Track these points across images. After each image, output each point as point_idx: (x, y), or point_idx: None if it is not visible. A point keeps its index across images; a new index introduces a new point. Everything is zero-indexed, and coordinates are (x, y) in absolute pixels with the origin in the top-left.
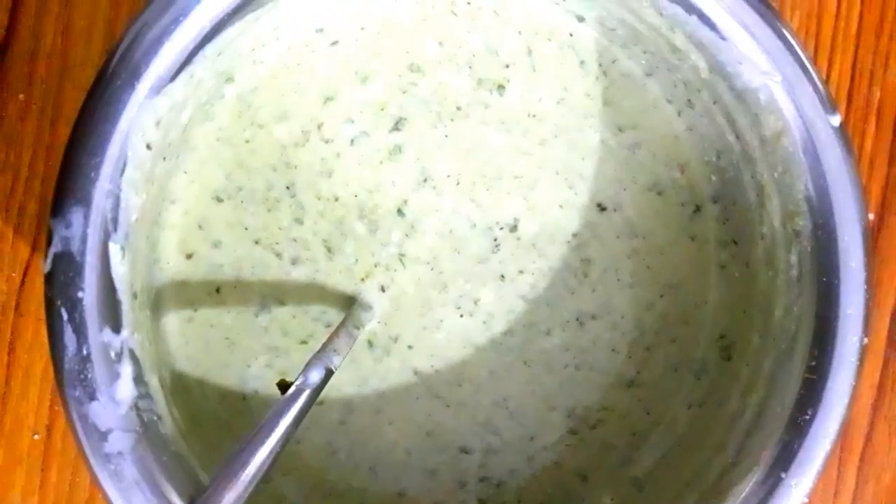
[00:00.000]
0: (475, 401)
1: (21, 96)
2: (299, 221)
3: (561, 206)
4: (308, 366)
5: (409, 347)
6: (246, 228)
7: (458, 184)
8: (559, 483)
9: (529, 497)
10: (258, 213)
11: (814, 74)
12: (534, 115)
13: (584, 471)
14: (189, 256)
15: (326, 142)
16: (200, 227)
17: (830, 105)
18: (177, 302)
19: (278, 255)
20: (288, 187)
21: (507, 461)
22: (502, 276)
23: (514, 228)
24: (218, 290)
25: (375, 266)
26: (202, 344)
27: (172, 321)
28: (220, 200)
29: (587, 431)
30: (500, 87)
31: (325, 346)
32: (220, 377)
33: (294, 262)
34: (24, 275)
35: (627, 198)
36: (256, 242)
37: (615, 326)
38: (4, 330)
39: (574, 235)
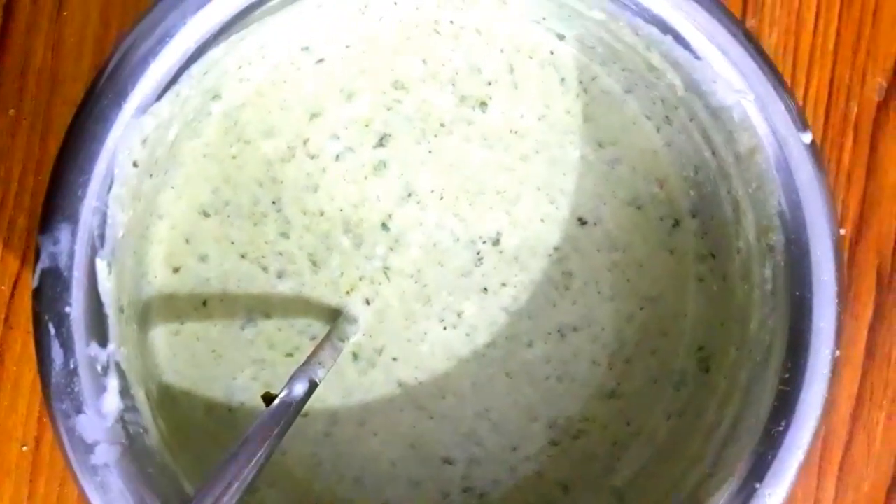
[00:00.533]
0: (458, 412)
1: (11, 111)
2: (285, 235)
3: (542, 220)
4: (293, 378)
5: (394, 359)
6: (232, 242)
7: (441, 198)
8: (541, 493)
9: None
10: (244, 228)
11: (786, 93)
12: (515, 132)
13: (566, 481)
14: (176, 270)
15: (312, 157)
16: (187, 241)
17: (802, 123)
18: (164, 315)
19: (264, 269)
20: (274, 202)
21: (489, 472)
22: (485, 289)
23: (496, 242)
24: (205, 304)
25: (360, 279)
26: (189, 357)
27: (160, 334)
28: (206, 215)
29: (569, 442)
30: (483, 104)
31: (309, 358)
32: (206, 389)
33: (280, 275)
34: (14, 288)
35: (607, 212)
36: (243, 256)
37: (596, 338)
38: None
39: (555, 249)
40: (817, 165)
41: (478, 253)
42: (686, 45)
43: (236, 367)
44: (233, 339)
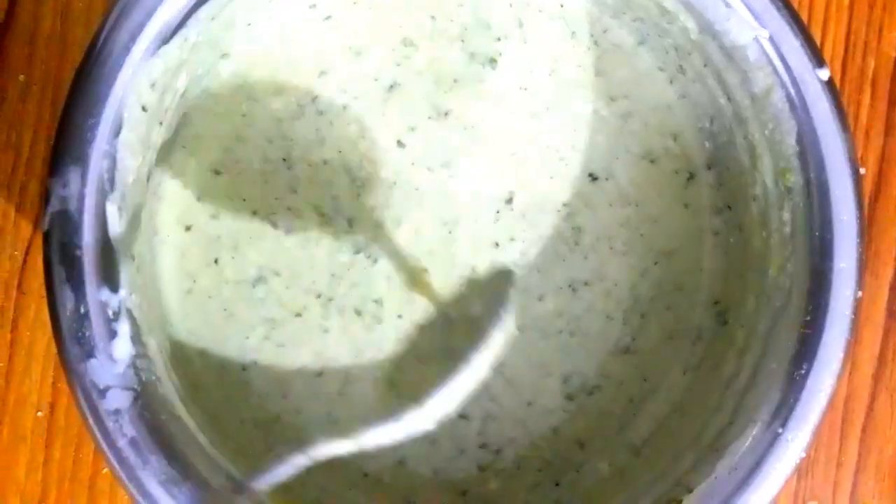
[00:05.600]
0: None
1: (21, 77)
2: (293, 190)
3: (551, 177)
4: None
5: (399, 317)
6: (244, 199)
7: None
8: (557, 450)
9: (528, 464)
10: (255, 184)
11: (800, 30)
12: (525, 88)
13: (582, 438)
14: (188, 228)
15: (321, 114)
16: (199, 199)
17: (818, 59)
18: (176, 273)
19: (274, 225)
20: (284, 159)
21: (505, 428)
22: (496, 244)
23: (508, 201)
24: (216, 262)
25: (367, 237)
26: (201, 316)
27: (173, 293)
28: (218, 173)
29: (584, 398)
30: (493, 61)
31: None
32: (219, 349)
33: (288, 231)
34: (27, 253)
35: (620, 167)
36: (254, 213)
37: (609, 294)
38: (7, 308)
39: (564, 205)
40: (834, 102)
41: (490, 210)
42: None
43: (248, 327)
44: (244, 297)
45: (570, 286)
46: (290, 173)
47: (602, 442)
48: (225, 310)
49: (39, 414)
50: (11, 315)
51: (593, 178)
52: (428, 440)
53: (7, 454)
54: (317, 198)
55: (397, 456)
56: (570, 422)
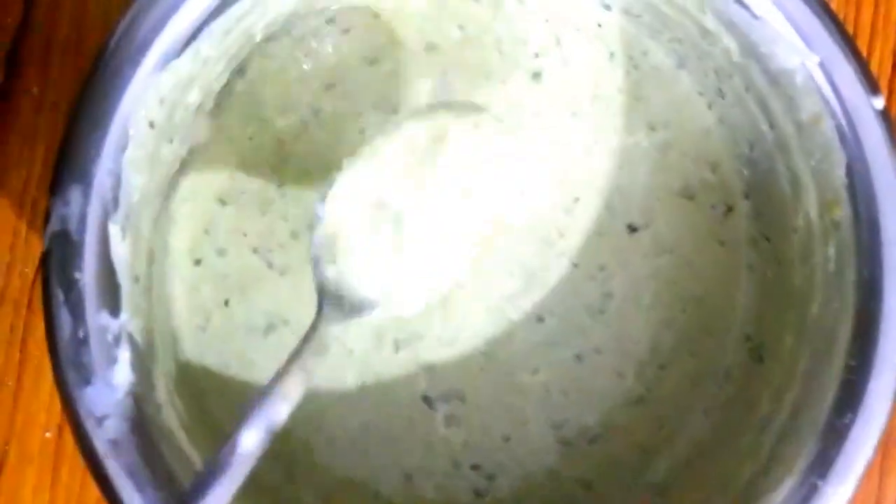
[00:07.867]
0: None
1: (35, 90)
2: (285, 219)
3: (600, 234)
4: (242, 427)
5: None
6: (245, 234)
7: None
8: (558, 489)
9: (527, 499)
10: (254, 218)
11: (855, 54)
12: (574, 113)
13: (587, 480)
14: (198, 262)
15: (322, 128)
16: (207, 231)
17: (872, 87)
18: (188, 307)
19: (270, 266)
20: (279, 186)
21: (486, 448)
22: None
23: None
24: (226, 303)
25: None
26: (218, 357)
27: (185, 325)
28: (223, 203)
29: (584, 444)
30: (537, 76)
31: (267, 391)
32: (239, 390)
33: (282, 272)
34: (37, 271)
35: (659, 209)
36: (254, 251)
37: (625, 353)
38: (17, 326)
39: (600, 268)
40: (888, 132)
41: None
42: (742, 2)
43: (268, 376)
44: (258, 345)
45: (576, 356)
46: (283, 202)
47: (614, 485)
48: (241, 357)
49: (48, 435)
50: (21, 334)
51: (632, 229)
52: (424, 444)
53: (14, 475)
54: (300, 223)
55: (404, 469)
56: (570, 464)
